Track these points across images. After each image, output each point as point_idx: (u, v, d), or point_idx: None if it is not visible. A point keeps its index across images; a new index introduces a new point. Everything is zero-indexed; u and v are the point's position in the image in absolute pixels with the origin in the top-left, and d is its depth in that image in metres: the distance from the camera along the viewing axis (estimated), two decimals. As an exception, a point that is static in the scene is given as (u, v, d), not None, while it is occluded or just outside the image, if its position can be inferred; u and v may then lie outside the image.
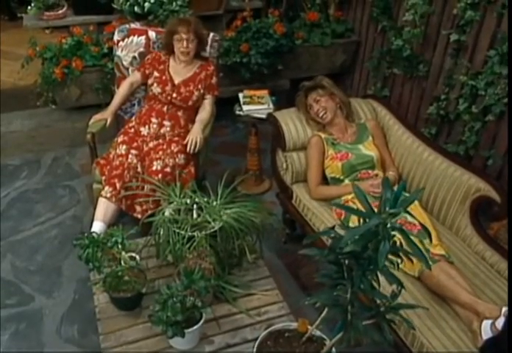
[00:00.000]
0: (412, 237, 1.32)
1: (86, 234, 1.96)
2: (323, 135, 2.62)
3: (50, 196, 3.32)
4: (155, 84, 2.87)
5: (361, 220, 1.37)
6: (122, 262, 1.99)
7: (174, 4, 3.44)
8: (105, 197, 2.63)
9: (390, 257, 1.38)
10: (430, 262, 2.04)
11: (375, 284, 1.48)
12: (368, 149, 2.56)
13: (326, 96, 2.63)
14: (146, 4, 3.33)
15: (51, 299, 2.63)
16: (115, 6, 3.50)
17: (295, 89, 3.26)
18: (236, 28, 3.78)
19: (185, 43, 2.80)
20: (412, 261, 1.51)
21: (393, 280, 1.34)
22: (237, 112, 3.10)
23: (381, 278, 1.43)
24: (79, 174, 3.53)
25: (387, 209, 1.23)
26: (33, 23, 3.68)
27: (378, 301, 1.54)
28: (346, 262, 1.43)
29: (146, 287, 2.02)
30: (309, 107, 2.66)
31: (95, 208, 2.70)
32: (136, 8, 3.36)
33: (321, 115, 2.61)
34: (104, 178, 2.72)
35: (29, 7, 3.58)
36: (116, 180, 2.66)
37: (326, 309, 1.62)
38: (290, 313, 2.06)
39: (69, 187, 3.41)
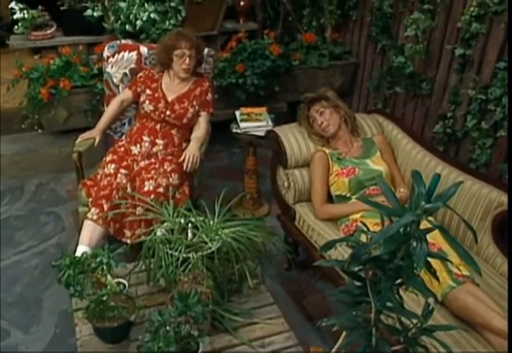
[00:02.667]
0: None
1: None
2: (327, 150, 2.44)
3: (33, 223, 3.09)
4: (147, 102, 2.70)
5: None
6: (108, 287, 1.76)
7: (167, 22, 3.33)
8: (91, 219, 2.41)
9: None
10: (455, 284, 1.83)
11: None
12: (377, 164, 2.38)
13: (330, 108, 2.47)
14: (138, 22, 3.22)
15: (29, 335, 2.36)
16: (105, 25, 3.38)
17: (292, 112, 3.11)
18: (231, 49, 3.67)
19: (187, 59, 2.65)
20: (438, 279, 1.30)
21: (427, 294, 1.13)
22: (234, 130, 2.93)
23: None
24: (64, 200, 3.31)
25: (422, 204, 1.03)
26: (20, 44, 3.53)
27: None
28: (370, 274, 1.22)
29: (135, 315, 1.78)
30: (312, 119, 2.49)
31: (80, 232, 2.47)
32: (127, 26, 3.25)
33: (324, 127, 2.44)
34: (90, 200, 2.51)
35: (16, 27, 3.45)
36: (103, 201, 2.44)
37: (344, 334, 1.39)
38: (298, 344, 1.83)
39: (54, 213, 3.19)
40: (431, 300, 1.17)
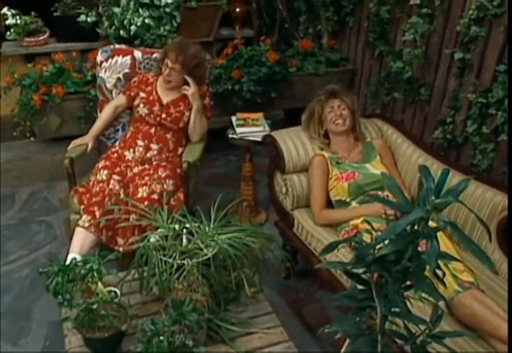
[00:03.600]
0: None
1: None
2: (326, 154, 2.38)
3: (24, 233, 3.01)
4: (142, 105, 2.64)
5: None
6: (99, 295, 1.68)
7: (162, 28, 3.28)
8: (82, 226, 2.33)
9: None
10: (461, 289, 1.76)
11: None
12: (377, 168, 2.32)
13: (347, 109, 2.41)
14: (132, 28, 3.17)
15: (18, 347, 2.27)
16: (99, 31, 3.33)
17: (289, 119, 3.04)
18: (227, 56, 3.62)
19: (167, 70, 2.59)
20: (444, 284, 1.23)
21: (438, 297, 1.06)
22: (231, 136, 2.86)
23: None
24: (57, 209, 3.23)
25: (432, 198, 0.96)
26: (12, 50, 3.46)
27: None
28: (375, 277, 1.15)
29: (128, 325, 1.70)
30: (328, 109, 2.40)
31: (71, 240, 2.39)
32: (122, 32, 3.19)
33: (339, 121, 2.37)
34: (82, 207, 2.43)
35: (8, 33, 3.39)
36: (96, 208, 2.36)
37: (347, 342, 1.31)
38: (298, 355, 1.75)
39: (45, 222, 3.11)
40: (442, 303, 1.10)
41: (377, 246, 1.11)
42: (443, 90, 3.04)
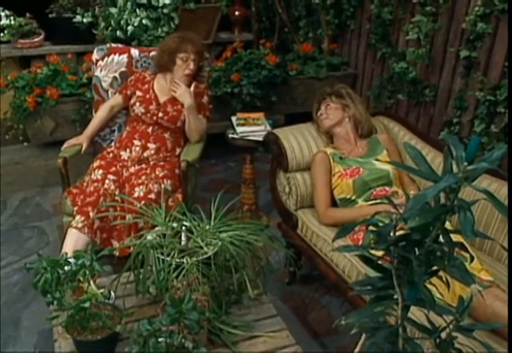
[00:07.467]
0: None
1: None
2: (328, 151, 2.28)
3: (14, 238, 2.88)
4: (138, 104, 2.54)
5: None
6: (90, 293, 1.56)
7: (160, 30, 3.21)
8: (75, 227, 2.21)
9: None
10: (480, 288, 1.64)
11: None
12: (383, 163, 2.21)
13: (338, 104, 2.34)
14: (129, 28, 3.09)
15: (5, 356, 2.14)
16: (95, 31, 3.25)
17: (290, 124, 2.94)
18: (226, 59, 3.55)
19: (192, 64, 2.53)
20: (472, 258, 1.10)
21: (469, 279, 0.94)
22: (230, 135, 2.76)
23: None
24: (50, 215, 3.11)
25: (464, 164, 0.86)
26: (5, 52, 3.37)
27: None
28: (395, 262, 1.04)
29: (122, 328, 1.57)
30: (320, 112, 2.40)
31: (63, 243, 2.27)
32: (118, 32, 3.11)
33: (322, 119, 2.36)
34: (76, 208, 2.31)
35: (2, 34, 3.30)
36: (90, 208, 2.25)
37: (363, 336, 1.20)
38: (306, 359, 1.63)
39: (38, 228, 2.98)
40: (474, 287, 0.99)
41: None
42: (448, 90, 2.97)
